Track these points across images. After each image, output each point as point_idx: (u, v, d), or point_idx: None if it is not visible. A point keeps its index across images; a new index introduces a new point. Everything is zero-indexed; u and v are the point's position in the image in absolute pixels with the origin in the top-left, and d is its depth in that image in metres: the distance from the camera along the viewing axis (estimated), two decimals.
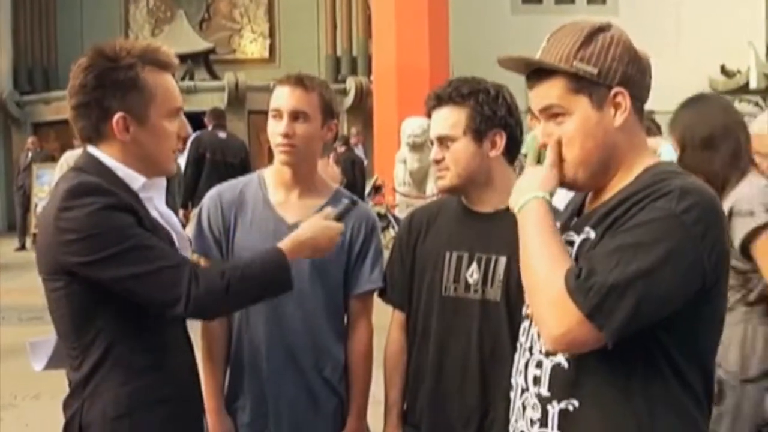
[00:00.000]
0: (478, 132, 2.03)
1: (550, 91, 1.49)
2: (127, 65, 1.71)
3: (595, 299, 1.32)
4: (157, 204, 1.84)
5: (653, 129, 5.70)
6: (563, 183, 1.54)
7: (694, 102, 2.70)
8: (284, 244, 1.85)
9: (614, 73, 1.47)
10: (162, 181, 1.86)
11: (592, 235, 1.45)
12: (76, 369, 1.72)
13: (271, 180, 2.28)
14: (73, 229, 1.63)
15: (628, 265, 1.33)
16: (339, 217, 2.00)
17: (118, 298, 1.68)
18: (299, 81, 2.19)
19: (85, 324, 1.68)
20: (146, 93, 1.72)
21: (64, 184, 1.69)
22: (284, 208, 2.23)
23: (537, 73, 1.51)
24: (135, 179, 1.76)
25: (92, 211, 1.63)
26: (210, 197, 2.29)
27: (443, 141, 2.06)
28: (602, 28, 1.50)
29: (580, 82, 1.47)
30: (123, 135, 1.72)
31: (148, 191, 1.79)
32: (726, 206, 2.39)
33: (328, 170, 3.29)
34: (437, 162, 2.07)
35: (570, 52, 1.47)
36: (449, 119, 2.04)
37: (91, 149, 1.77)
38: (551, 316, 1.37)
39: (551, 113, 1.50)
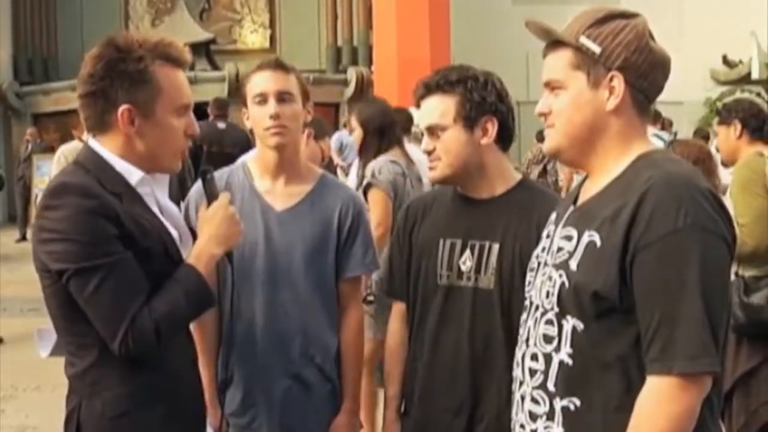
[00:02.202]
0: (469, 119, 2.00)
1: (556, 63, 1.53)
2: (137, 57, 1.69)
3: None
4: (158, 197, 1.82)
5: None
6: (548, 152, 1.57)
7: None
8: (195, 259, 1.74)
9: (616, 56, 1.47)
10: (164, 174, 1.84)
11: (597, 239, 1.43)
12: (73, 365, 1.71)
13: (256, 168, 2.28)
14: (49, 229, 1.62)
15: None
16: (210, 196, 1.85)
17: None
18: (278, 64, 2.22)
19: (77, 321, 1.66)
20: (153, 86, 1.70)
21: (54, 179, 1.69)
22: (272, 196, 2.23)
23: (551, 44, 1.55)
24: (133, 174, 1.73)
25: (70, 214, 1.60)
26: (196, 190, 2.28)
27: (433, 131, 2.03)
28: (624, 15, 1.52)
29: (581, 58, 1.49)
30: (127, 127, 1.70)
31: (146, 186, 1.76)
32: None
33: (304, 149, 3.28)
34: (428, 153, 2.04)
35: (581, 28, 1.50)
36: (438, 108, 2.02)
37: (92, 142, 1.75)
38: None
39: (551, 87, 1.54)
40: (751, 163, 3.45)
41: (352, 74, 14.61)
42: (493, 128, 2.02)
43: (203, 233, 1.79)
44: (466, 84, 2.00)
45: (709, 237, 1.35)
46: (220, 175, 2.31)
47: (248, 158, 2.36)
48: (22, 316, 6.92)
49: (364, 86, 14.22)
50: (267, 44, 17.29)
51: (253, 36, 17.43)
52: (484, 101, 2.01)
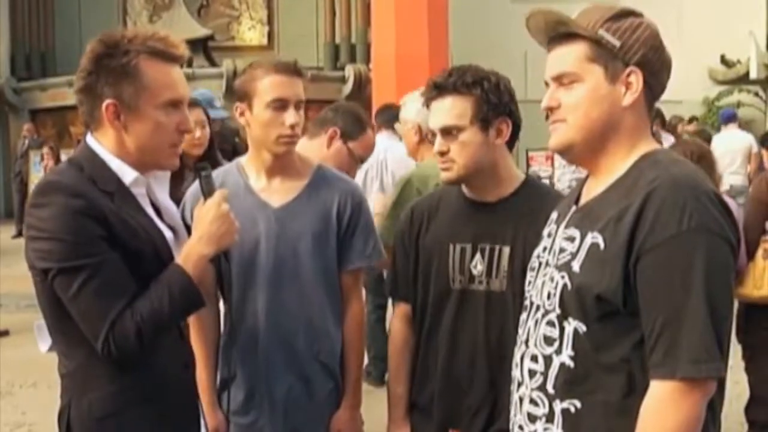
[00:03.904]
0: (485, 121, 2.00)
1: (568, 56, 1.49)
2: (123, 52, 1.68)
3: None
4: (157, 196, 1.81)
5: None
6: (556, 148, 1.53)
7: None
8: (183, 260, 1.71)
9: (635, 52, 1.46)
10: (163, 172, 1.82)
11: (600, 241, 1.42)
12: (64, 364, 1.71)
13: (251, 167, 2.27)
14: (36, 227, 1.61)
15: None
16: (207, 193, 1.82)
17: None
18: (298, 70, 2.20)
19: (65, 320, 1.66)
20: (138, 81, 1.68)
21: (44, 177, 1.69)
22: (267, 193, 2.22)
23: (559, 37, 1.51)
24: (127, 173, 1.72)
25: (57, 213, 1.60)
26: (191, 192, 2.28)
27: (449, 131, 2.01)
28: (635, 13, 1.51)
29: (599, 51, 1.47)
30: (114, 123, 1.69)
31: (141, 187, 1.75)
32: None
33: (325, 153, 3.12)
34: (442, 154, 2.02)
35: (598, 21, 1.47)
36: (454, 109, 2.00)
37: (90, 139, 1.74)
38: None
39: (562, 81, 1.50)
40: None
41: (350, 72, 14.59)
42: (507, 129, 2.03)
43: (195, 232, 1.76)
44: (482, 85, 2.00)
45: (714, 239, 1.34)
46: (215, 175, 2.30)
47: (242, 158, 2.34)
48: (19, 311, 6.92)
49: (362, 84, 14.20)
50: (265, 41, 17.26)
51: (251, 32, 17.40)
52: (500, 102, 2.01)
